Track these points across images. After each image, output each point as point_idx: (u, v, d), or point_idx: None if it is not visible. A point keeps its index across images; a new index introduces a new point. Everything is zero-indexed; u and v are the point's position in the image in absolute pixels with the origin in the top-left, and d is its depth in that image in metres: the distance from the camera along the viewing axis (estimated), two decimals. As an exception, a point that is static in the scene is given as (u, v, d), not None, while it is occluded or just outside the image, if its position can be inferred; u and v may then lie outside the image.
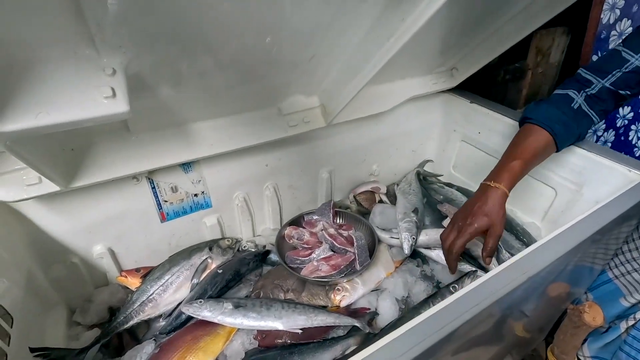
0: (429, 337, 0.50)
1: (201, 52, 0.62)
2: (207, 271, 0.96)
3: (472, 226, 0.76)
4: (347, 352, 0.81)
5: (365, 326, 0.84)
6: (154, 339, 0.84)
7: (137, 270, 0.96)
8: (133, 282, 0.94)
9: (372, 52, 0.69)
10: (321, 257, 0.98)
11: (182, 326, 0.86)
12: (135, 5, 0.43)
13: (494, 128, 1.14)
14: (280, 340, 0.82)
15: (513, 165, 0.78)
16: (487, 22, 0.95)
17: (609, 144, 1.56)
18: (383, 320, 0.90)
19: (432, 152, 1.40)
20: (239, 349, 0.82)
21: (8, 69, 0.43)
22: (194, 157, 0.85)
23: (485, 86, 1.48)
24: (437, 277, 1.02)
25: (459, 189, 1.24)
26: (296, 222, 1.12)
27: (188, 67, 0.65)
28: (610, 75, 0.77)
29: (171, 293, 0.91)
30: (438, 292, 0.91)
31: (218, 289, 0.92)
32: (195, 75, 0.68)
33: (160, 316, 0.90)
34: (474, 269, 0.92)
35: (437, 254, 1.02)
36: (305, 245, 1.03)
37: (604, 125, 1.53)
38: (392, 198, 1.24)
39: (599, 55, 1.34)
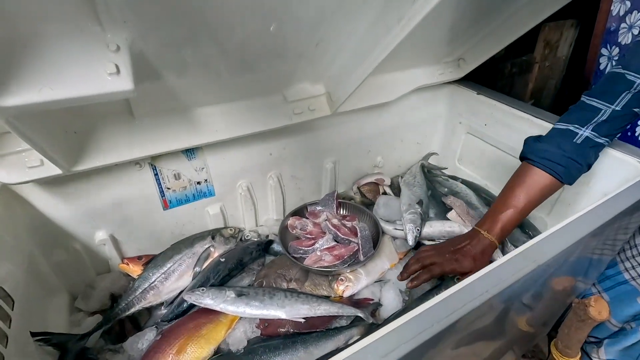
0: (436, 324, 0.49)
1: (205, 35, 0.60)
2: (210, 260, 0.96)
3: (457, 263, 0.77)
4: (350, 342, 0.80)
5: (368, 317, 0.83)
6: (155, 326, 0.83)
7: (139, 258, 0.96)
8: (135, 270, 0.93)
9: (380, 38, 0.68)
10: (324, 247, 0.97)
11: (183, 314, 0.86)
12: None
13: (501, 120, 1.12)
14: (283, 330, 0.81)
15: (509, 219, 0.79)
16: (496, 10, 0.93)
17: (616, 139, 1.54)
18: (386, 311, 0.89)
19: (437, 144, 1.38)
20: (242, 337, 0.81)
21: (11, 43, 0.42)
22: (198, 143, 0.83)
23: (491, 79, 1.47)
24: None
25: (464, 182, 1.23)
26: (299, 212, 1.11)
27: (193, 51, 0.64)
28: (619, 99, 0.75)
29: (173, 281, 0.90)
30: (442, 283, 0.90)
31: (220, 277, 0.91)
32: (200, 59, 0.67)
33: (162, 304, 0.89)
34: None
35: (442, 246, 1.01)
36: (309, 236, 1.02)
37: (611, 120, 1.51)
38: (396, 190, 1.23)
39: (608, 48, 1.32)
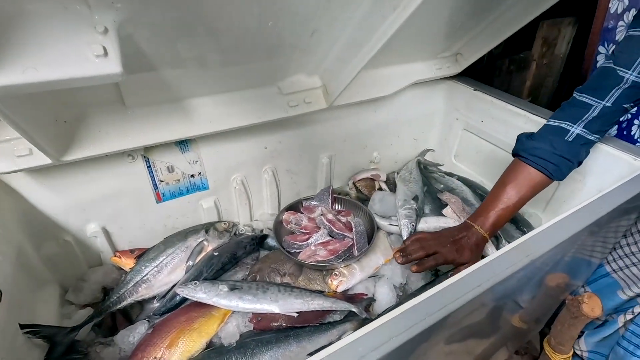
0: (429, 317, 0.49)
1: (197, 22, 0.59)
2: (203, 253, 0.95)
3: (457, 253, 0.78)
4: (343, 337, 0.80)
5: (362, 311, 0.83)
6: (147, 320, 0.83)
7: (132, 251, 0.95)
8: (127, 263, 0.92)
9: (376, 26, 0.67)
10: (319, 241, 0.97)
11: (176, 308, 0.85)
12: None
13: (497, 116, 1.12)
14: (275, 324, 0.81)
15: (500, 214, 0.81)
16: (493, 2, 0.92)
17: (612, 136, 1.55)
18: (380, 306, 0.89)
19: (434, 140, 1.38)
20: (234, 331, 0.80)
21: (-5, 23, 0.40)
22: (192, 134, 0.82)
23: (489, 76, 1.46)
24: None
25: (460, 178, 1.23)
26: (294, 207, 1.10)
27: (185, 39, 0.63)
28: (610, 95, 0.75)
29: (166, 274, 0.89)
30: (436, 279, 0.90)
31: (214, 271, 0.90)
32: (192, 48, 0.66)
33: (154, 297, 0.88)
34: None
35: (437, 242, 1.01)
36: (303, 230, 1.02)
37: (607, 119, 1.51)
38: (392, 186, 1.23)
39: (605, 46, 1.31)
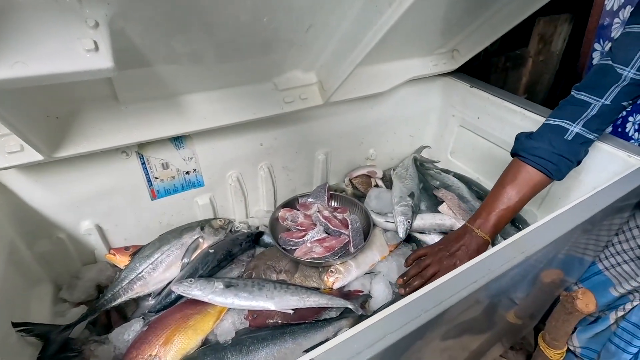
0: (424, 314, 0.49)
1: (191, 17, 0.58)
2: (199, 250, 0.94)
3: (455, 267, 0.75)
4: (339, 334, 0.80)
5: (358, 308, 0.83)
6: (142, 317, 0.82)
7: (127, 248, 0.94)
8: (122, 261, 0.91)
9: (372, 21, 0.66)
10: (315, 238, 0.96)
11: (171, 305, 0.85)
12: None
13: (493, 113, 1.12)
14: (271, 321, 0.81)
15: (501, 215, 0.80)
16: (489, 0, 0.92)
17: (607, 133, 1.55)
18: (376, 303, 0.89)
19: (430, 137, 1.38)
20: (230, 328, 0.80)
21: (-18, 17, 0.39)
22: (186, 131, 0.82)
23: (485, 73, 1.46)
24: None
25: (456, 175, 1.23)
26: (290, 204, 1.10)
27: (179, 34, 0.62)
28: (608, 93, 0.74)
29: (161, 272, 0.89)
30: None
31: (209, 268, 0.90)
32: (186, 43, 0.65)
33: (149, 295, 0.88)
34: None
35: (432, 239, 1.01)
36: (299, 227, 1.01)
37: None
38: (388, 183, 1.23)
39: (601, 43, 1.32)
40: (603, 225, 0.89)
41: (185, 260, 0.91)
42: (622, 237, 1.00)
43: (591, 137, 0.79)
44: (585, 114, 0.77)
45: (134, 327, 0.79)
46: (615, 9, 1.27)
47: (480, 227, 0.81)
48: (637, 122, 1.46)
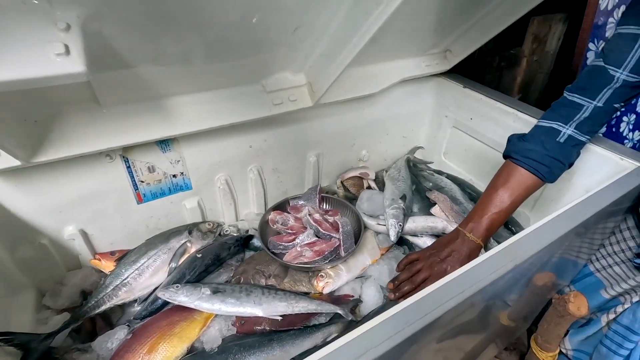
0: (411, 325, 0.47)
1: (173, 18, 0.56)
2: (186, 255, 0.93)
3: (445, 273, 0.74)
4: (328, 340, 0.79)
5: (347, 313, 0.81)
6: (127, 325, 0.80)
7: (112, 253, 0.92)
8: (107, 266, 0.89)
9: (360, 23, 0.64)
10: (305, 242, 0.95)
11: (157, 311, 0.83)
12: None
13: (486, 114, 1.11)
14: (259, 327, 0.79)
15: (493, 219, 0.79)
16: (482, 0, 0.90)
17: (600, 135, 1.55)
18: (367, 307, 0.87)
19: (423, 138, 1.37)
20: (216, 335, 0.78)
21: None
22: (171, 134, 0.80)
23: (480, 73, 1.45)
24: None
25: (449, 177, 1.21)
26: (281, 206, 1.08)
27: (160, 35, 0.60)
28: (601, 95, 0.73)
29: (147, 277, 0.87)
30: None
31: (197, 273, 0.88)
32: (169, 44, 0.63)
33: (135, 301, 0.86)
34: None
35: (424, 241, 1.00)
36: (290, 231, 1.00)
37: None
38: (381, 184, 1.21)
39: (595, 42, 1.31)
40: (596, 229, 0.88)
41: (173, 265, 0.90)
42: (614, 238, 0.99)
43: (583, 139, 0.78)
44: (578, 116, 0.76)
45: (118, 335, 0.77)
46: (609, 8, 1.26)
47: (472, 231, 0.80)
48: (632, 122, 1.46)
